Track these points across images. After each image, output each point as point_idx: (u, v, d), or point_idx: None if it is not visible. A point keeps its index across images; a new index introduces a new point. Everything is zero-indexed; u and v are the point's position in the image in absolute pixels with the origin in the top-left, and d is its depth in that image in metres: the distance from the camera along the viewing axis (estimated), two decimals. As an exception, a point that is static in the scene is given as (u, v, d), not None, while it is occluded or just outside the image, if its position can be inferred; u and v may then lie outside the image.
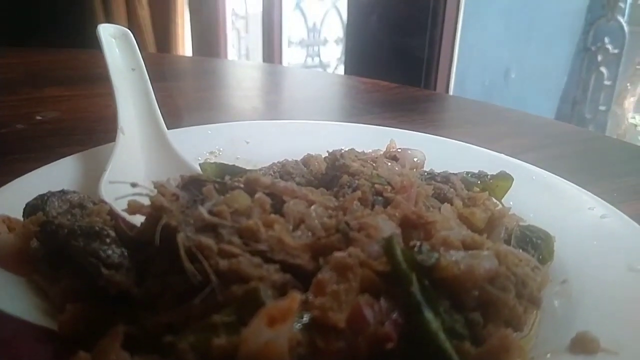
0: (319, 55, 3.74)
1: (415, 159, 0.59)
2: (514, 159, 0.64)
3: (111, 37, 0.65)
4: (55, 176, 0.54)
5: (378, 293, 0.34)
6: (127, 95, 0.61)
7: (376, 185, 0.47)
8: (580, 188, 0.57)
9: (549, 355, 0.37)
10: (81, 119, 0.90)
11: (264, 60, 3.21)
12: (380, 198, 0.46)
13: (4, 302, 0.37)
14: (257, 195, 0.41)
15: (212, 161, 0.63)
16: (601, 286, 0.43)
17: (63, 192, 0.45)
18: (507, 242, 0.47)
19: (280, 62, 3.13)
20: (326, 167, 0.54)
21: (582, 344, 0.36)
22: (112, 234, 0.40)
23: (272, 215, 0.40)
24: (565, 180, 0.59)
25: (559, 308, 0.42)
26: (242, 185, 0.44)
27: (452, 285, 0.34)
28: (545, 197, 0.56)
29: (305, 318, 0.31)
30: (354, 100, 1.18)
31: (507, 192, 0.55)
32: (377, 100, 1.15)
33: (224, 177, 0.49)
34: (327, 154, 0.55)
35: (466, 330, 0.33)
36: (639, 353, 0.35)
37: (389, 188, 0.47)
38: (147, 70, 0.66)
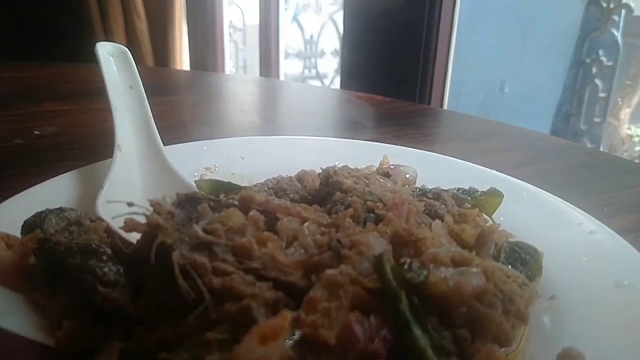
0: (316, 67, 3.77)
1: (407, 176, 0.60)
2: (505, 174, 0.65)
3: (109, 55, 0.66)
4: (53, 193, 0.55)
5: (368, 310, 0.34)
6: (125, 112, 0.62)
7: (368, 202, 0.48)
8: (569, 204, 0.58)
9: (536, 370, 0.38)
10: (79, 133, 0.91)
11: (261, 72, 3.23)
12: (372, 215, 0.47)
13: (2, 319, 0.38)
14: (251, 213, 0.42)
15: (208, 177, 0.64)
16: (588, 302, 0.44)
17: (61, 210, 0.46)
18: (497, 258, 0.48)
19: (277, 74, 3.15)
20: (320, 184, 0.55)
21: (568, 359, 0.37)
22: (109, 251, 0.40)
23: (266, 233, 0.41)
24: (554, 197, 0.60)
25: (547, 323, 0.43)
26: (236, 203, 0.45)
27: (440, 302, 0.35)
28: (535, 213, 0.57)
29: (297, 335, 0.32)
30: (349, 115, 1.20)
31: (497, 208, 0.56)
32: (371, 114, 1.16)
33: (220, 194, 0.51)
34: (321, 170, 0.56)
35: (454, 346, 0.34)
36: (624, 368, 0.36)
37: (381, 205, 0.48)
38: (145, 84, 0.67)
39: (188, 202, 0.45)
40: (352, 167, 0.59)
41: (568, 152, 0.94)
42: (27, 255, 0.42)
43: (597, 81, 2.48)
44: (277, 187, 0.55)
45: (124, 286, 0.38)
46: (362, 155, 0.68)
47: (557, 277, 0.47)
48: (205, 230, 0.38)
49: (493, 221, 0.55)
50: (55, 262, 0.40)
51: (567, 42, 2.51)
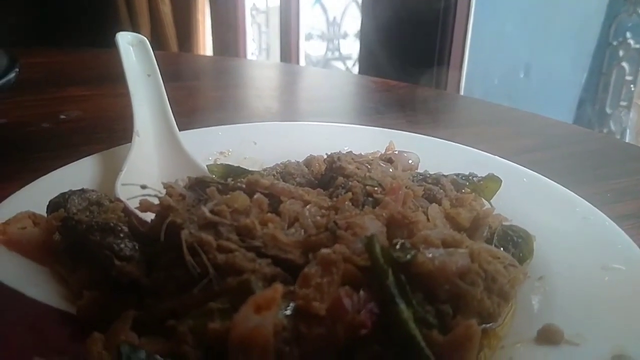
0: (338, 49, 3.77)
1: (410, 161, 0.62)
2: (507, 160, 0.67)
3: (129, 44, 0.69)
4: (77, 175, 0.58)
5: (359, 285, 0.37)
6: (143, 99, 0.65)
7: (367, 187, 0.50)
8: (568, 190, 0.60)
9: (518, 344, 0.41)
10: (102, 117, 0.96)
11: (281, 54, 3.24)
12: (370, 199, 0.50)
13: (30, 289, 0.42)
14: (255, 196, 0.45)
15: (221, 161, 0.67)
16: (574, 283, 0.46)
17: (83, 191, 0.50)
18: (490, 240, 0.50)
19: (297, 57, 3.16)
20: (325, 169, 0.58)
21: (548, 335, 0.40)
22: (126, 229, 0.44)
23: (269, 214, 0.44)
24: (554, 183, 0.62)
25: (534, 302, 0.45)
26: (243, 186, 0.49)
27: (426, 279, 0.38)
28: (532, 199, 0.59)
29: (292, 307, 0.35)
30: (364, 100, 1.22)
31: (495, 193, 0.58)
32: (385, 99, 1.18)
33: (229, 178, 0.54)
34: (326, 156, 0.59)
35: (436, 320, 0.37)
36: (599, 346, 0.38)
37: (379, 189, 0.50)
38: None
39: (198, 185, 0.48)
40: (357, 153, 0.61)
41: (578, 139, 0.95)
42: (52, 232, 0.46)
43: (624, 64, 2.44)
44: (285, 172, 0.58)
45: (138, 261, 0.41)
46: (370, 141, 0.70)
47: (547, 259, 0.50)
48: (212, 211, 0.42)
49: (491, 205, 0.58)
50: (77, 239, 0.44)
51: (592, 25, 2.47)
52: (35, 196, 0.52)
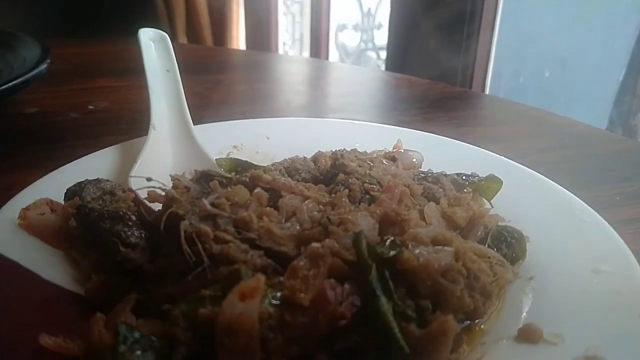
0: (372, 40, 3.76)
1: (413, 160, 0.64)
2: (512, 161, 0.68)
3: (150, 40, 0.73)
4: (96, 165, 0.62)
5: (345, 279, 0.40)
6: (160, 94, 0.68)
7: (365, 184, 0.52)
8: (569, 193, 0.60)
9: (503, 341, 0.42)
10: (127, 109, 0.99)
11: (311, 45, 3.26)
12: (367, 196, 0.52)
13: (45, 270, 0.45)
14: (255, 191, 0.48)
15: (235, 154, 0.70)
16: (562, 284, 0.47)
17: (98, 181, 0.53)
18: (484, 239, 0.52)
19: (327, 48, 3.17)
20: (330, 165, 0.60)
21: (527, 334, 0.41)
22: (134, 218, 0.47)
23: (267, 208, 0.47)
24: (557, 185, 0.62)
25: (521, 302, 0.47)
26: (247, 180, 0.51)
27: (410, 275, 0.40)
28: (533, 200, 0.60)
29: (278, 296, 0.38)
30: (383, 96, 1.23)
31: (496, 193, 0.60)
32: (404, 96, 1.19)
33: (236, 172, 0.57)
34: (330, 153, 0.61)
35: (415, 314, 0.38)
36: (574, 346, 0.40)
37: (377, 187, 0.52)
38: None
39: (204, 178, 0.51)
40: (362, 151, 0.63)
41: (594, 140, 0.95)
42: (68, 219, 0.50)
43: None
44: (291, 167, 0.60)
45: (143, 248, 0.45)
46: (380, 138, 0.72)
47: (539, 260, 0.51)
48: (212, 204, 0.44)
49: (491, 205, 0.59)
50: (89, 226, 0.47)
51: (633, 17, 2.40)
52: (56, 184, 0.56)
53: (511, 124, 1.04)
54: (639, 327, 0.41)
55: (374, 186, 0.52)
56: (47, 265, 0.46)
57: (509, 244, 0.52)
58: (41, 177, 0.58)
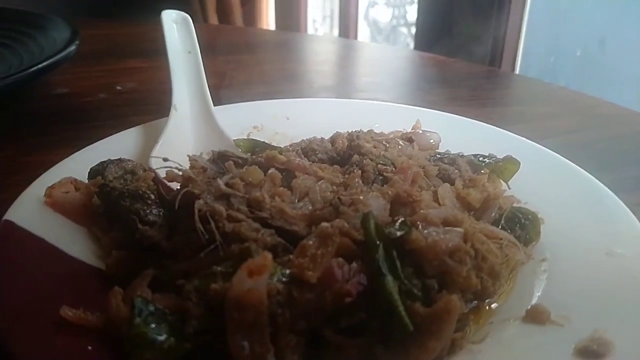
0: (405, 16, 3.70)
1: (431, 141, 0.64)
2: (533, 142, 0.67)
3: (173, 22, 0.74)
4: (120, 144, 0.64)
5: (353, 258, 0.40)
6: (182, 75, 0.70)
7: (379, 165, 0.53)
8: (588, 174, 0.59)
9: (510, 321, 0.43)
10: (154, 90, 1.01)
11: (340, 21, 3.23)
12: (380, 177, 0.52)
13: (68, 246, 0.47)
14: (270, 171, 0.49)
15: (254, 135, 0.71)
16: (575, 267, 0.47)
17: (120, 160, 0.55)
18: (498, 221, 0.52)
19: (356, 24, 3.14)
20: (346, 146, 0.61)
21: (535, 314, 0.42)
22: (153, 197, 0.49)
23: (280, 188, 0.48)
24: (577, 167, 0.61)
25: (532, 283, 0.47)
26: (262, 161, 0.52)
27: (417, 255, 0.41)
28: (551, 182, 0.59)
29: (287, 273, 0.39)
30: (409, 76, 1.22)
31: (514, 174, 0.59)
32: (429, 75, 1.18)
33: (254, 152, 0.58)
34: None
35: (421, 293, 0.39)
36: (583, 328, 0.40)
37: (391, 168, 0.53)
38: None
39: (220, 158, 0.52)
40: (379, 132, 0.64)
41: (622, 120, 0.93)
42: (91, 197, 0.52)
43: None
44: (308, 148, 0.61)
45: (160, 226, 0.46)
46: (400, 118, 0.72)
47: (554, 242, 0.51)
48: (226, 184, 0.46)
49: (508, 187, 0.59)
50: (111, 204, 0.49)
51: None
52: (82, 163, 0.58)
53: (538, 104, 1.02)
54: (648, 310, 0.41)
55: (388, 167, 0.53)
56: (71, 241, 0.48)
57: (522, 226, 0.51)
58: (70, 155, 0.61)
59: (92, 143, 0.65)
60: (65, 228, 0.50)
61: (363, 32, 3.44)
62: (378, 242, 0.40)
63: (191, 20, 0.75)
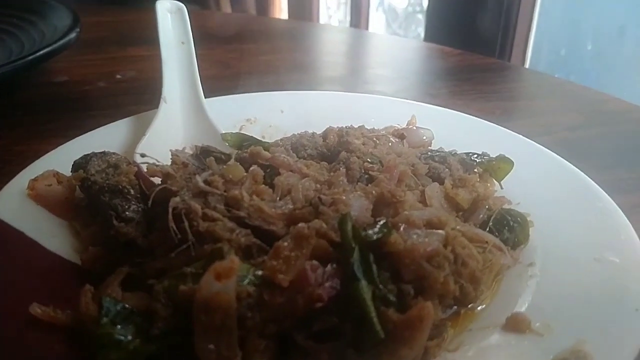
0: (421, 3, 3.65)
1: (424, 138, 0.62)
2: (531, 141, 0.65)
3: (167, 11, 0.73)
4: (108, 137, 0.63)
5: (330, 260, 0.39)
6: (174, 66, 0.69)
7: (366, 163, 0.52)
8: (584, 176, 0.58)
9: (490, 329, 0.42)
10: (153, 79, 0.98)
11: (352, 9, 3.19)
12: (366, 175, 0.51)
13: (47, 240, 0.47)
14: (251, 168, 0.48)
15: (247, 128, 0.70)
16: (562, 273, 0.46)
17: (104, 154, 0.54)
18: (486, 222, 0.51)
19: (367, 12, 3.10)
20: (337, 142, 0.60)
21: (515, 323, 0.41)
22: (132, 192, 0.48)
23: (262, 186, 0.47)
24: (573, 167, 0.59)
25: (518, 289, 0.45)
26: (247, 156, 0.52)
27: (394, 259, 0.40)
28: (546, 183, 0.58)
29: (259, 275, 0.38)
30: (413, 68, 1.20)
31: (507, 174, 0.58)
32: (435, 68, 1.16)
33: (242, 147, 0.57)
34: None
35: (397, 299, 0.38)
36: (563, 339, 0.38)
37: (377, 166, 0.52)
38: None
39: (203, 154, 0.51)
40: (375, 127, 0.62)
41: (630, 117, 0.90)
42: (73, 190, 0.51)
43: None
44: (298, 143, 0.60)
45: (138, 222, 0.46)
46: (396, 113, 0.71)
47: (542, 246, 0.50)
48: (205, 181, 0.45)
49: (501, 186, 0.58)
50: (92, 198, 0.49)
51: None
52: (69, 155, 0.57)
53: (543, 98, 1.00)
54: (633, 322, 0.39)
55: (374, 165, 0.51)
56: (51, 235, 0.48)
57: (511, 228, 0.50)
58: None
59: (86, 132, 0.65)
60: (46, 221, 0.50)
61: (379, 19, 3.40)
62: (354, 245, 0.39)
63: (186, 10, 0.74)
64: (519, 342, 0.39)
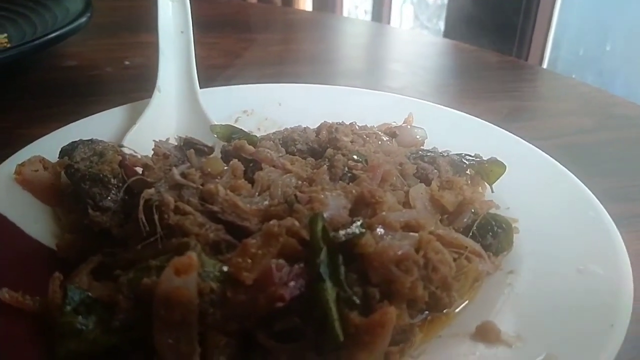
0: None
1: (416, 137, 0.61)
2: (529, 144, 0.64)
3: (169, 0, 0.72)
4: (101, 124, 0.63)
5: (298, 260, 0.39)
6: (170, 56, 0.68)
7: (350, 162, 0.51)
8: (579, 183, 0.56)
9: (459, 336, 0.41)
10: (159, 66, 1.01)
11: (374, 2, 3.16)
12: (349, 174, 0.50)
13: (29, 225, 0.48)
14: (231, 162, 0.48)
15: (243, 120, 0.70)
16: (542, 282, 0.45)
17: (91, 141, 0.54)
18: (470, 227, 0.50)
19: (390, 4, 3.06)
20: (327, 139, 0.59)
21: (484, 332, 0.40)
22: (113, 181, 0.48)
23: (240, 181, 0.46)
24: (570, 173, 0.58)
25: (491, 296, 0.44)
26: (231, 149, 0.51)
27: (365, 261, 0.39)
28: (538, 189, 0.56)
29: (223, 271, 0.38)
30: (428, 64, 1.18)
31: (499, 177, 0.56)
32: (449, 64, 1.14)
33: (230, 139, 0.57)
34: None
35: (361, 302, 0.38)
36: (533, 352, 0.38)
37: (362, 165, 0.51)
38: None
39: (186, 145, 0.51)
40: (363, 124, 0.61)
41: (639, 122, 0.87)
42: (58, 176, 0.51)
43: None
44: (288, 137, 0.59)
45: (115, 212, 0.46)
46: (394, 109, 0.69)
47: (525, 253, 0.48)
48: (182, 174, 0.45)
49: (492, 190, 0.56)
50: (75, 185, 0.49)
51: None
52: (60, 141, 0.57)
53: (554, 100, 0.97)
54: (607, 338, 0.38)
55: (359, 164, 0.51)
56: (33, 220, 0.49)
57: (495, 234, 0.49)
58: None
59: (84, 117, 0.65)
60: (31, 207, 0.50)
61: (407, 10, 3.35)
62: (322, 245, 0.38)
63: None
64: (485, 352, 0.38)
